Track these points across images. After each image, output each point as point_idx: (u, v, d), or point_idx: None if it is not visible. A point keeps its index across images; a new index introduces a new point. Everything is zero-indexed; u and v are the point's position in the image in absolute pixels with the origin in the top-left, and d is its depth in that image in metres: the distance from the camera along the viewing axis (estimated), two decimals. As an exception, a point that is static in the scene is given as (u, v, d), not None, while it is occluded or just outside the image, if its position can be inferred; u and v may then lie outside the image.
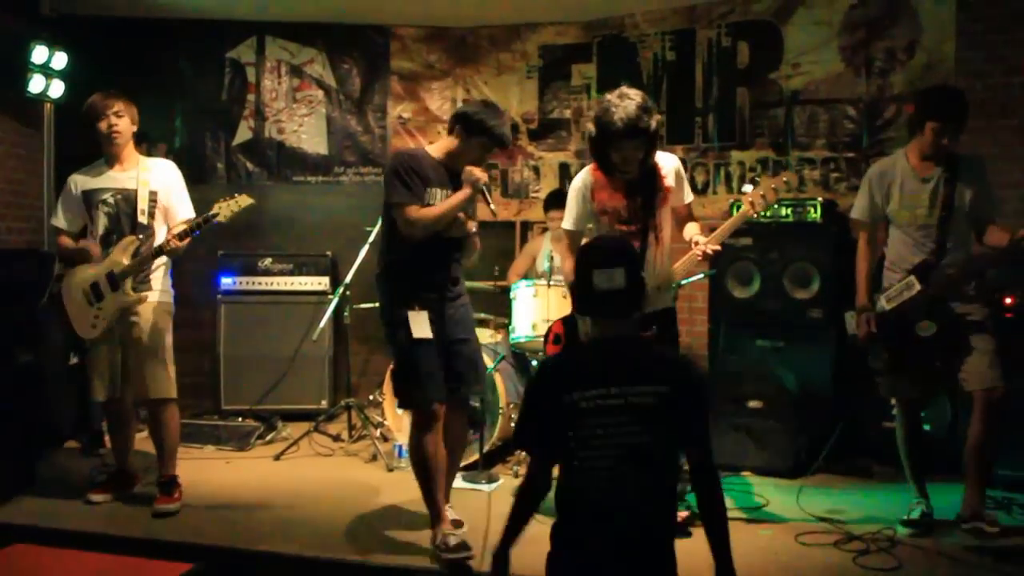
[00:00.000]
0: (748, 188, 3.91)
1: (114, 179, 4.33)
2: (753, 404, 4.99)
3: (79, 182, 4.37)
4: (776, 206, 5.22)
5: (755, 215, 3.85)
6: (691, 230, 3.94)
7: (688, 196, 4.04)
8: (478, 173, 3.82)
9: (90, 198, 4.32)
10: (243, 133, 6.86)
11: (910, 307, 3.91)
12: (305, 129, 6.89)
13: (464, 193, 3.79)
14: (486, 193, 3.93)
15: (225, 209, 4.16)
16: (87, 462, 5.00)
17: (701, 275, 4.94)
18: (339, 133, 6.88)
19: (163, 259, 4.32)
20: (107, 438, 5.38)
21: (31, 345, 4.84)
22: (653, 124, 3.65)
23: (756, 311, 5.17)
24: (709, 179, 6.21)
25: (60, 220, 4.42)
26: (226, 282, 6.11)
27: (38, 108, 5.97)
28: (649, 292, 3.72)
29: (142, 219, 4.28)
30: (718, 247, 3.79)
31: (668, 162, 3.93)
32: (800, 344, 5.08)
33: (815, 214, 5.10)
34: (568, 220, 4.01)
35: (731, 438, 4.97)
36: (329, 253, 6.29)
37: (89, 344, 4.37)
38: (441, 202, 3.78)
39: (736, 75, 6.15)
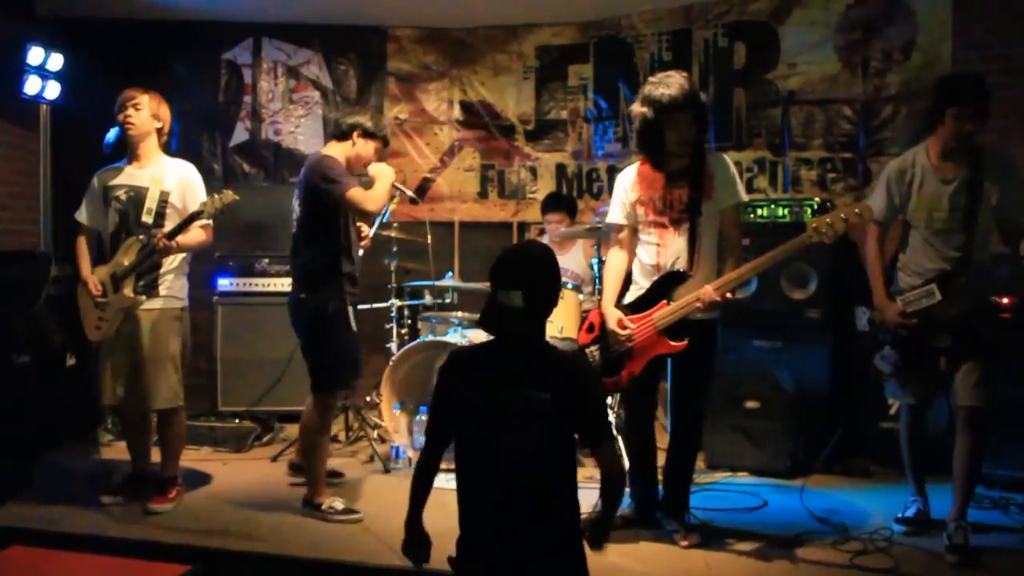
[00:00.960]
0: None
1: (130, 176, 4.30)
2: (750, 404, 4.99)
3: (102, 178, 4.35)
4: (772, 206, 5.23)
5: (816, 241, 3.59)
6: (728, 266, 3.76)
7: (734, 197, 3.82)
8: (386, 168, 4.26)
9: (107, 195, 4.29)
10: (240, 134, 6.86)
11: (927, 316, 3.74)
12: (302, 130, 6.89)
13: (385, 182, 4.19)
14: (400, 185, 4.61)
15: (209, 206, 4.15)
16: (85, 463, 4.99)
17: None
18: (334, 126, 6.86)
19: (174, 263, 4.29)
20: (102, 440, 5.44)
21: (28, 346, 4.83)
22: (703, 97, 3.75)
23: (753, 311, 5.17)
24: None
25: (82, 214, 4.40)
26: (223, 283, 6.10)
27: (34, 110, 5.96)
28: (687, 300, 3.67)
29: (146, 218, 4.22)
30: (722, 298, 3.62)
31: (719, 162, 3.86)
32: (797, 344, 5.08)
33: (812, 214, 5.10)
34: (612, 214, 4.02)
35: (728, 438, 4.97)
36: (326, 254, 6.27)
37: (96, 346, 4.37)
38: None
39: (733, 75, 6.15)
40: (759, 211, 5.23)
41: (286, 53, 6.86)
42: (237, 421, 5.70)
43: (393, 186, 4.39)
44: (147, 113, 4.30)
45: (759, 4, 6.02)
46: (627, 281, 4.02)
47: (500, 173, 6.88)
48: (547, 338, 2.76)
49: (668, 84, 3.65)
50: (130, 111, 4.26)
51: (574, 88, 6.69)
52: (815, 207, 5.08)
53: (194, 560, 3.31)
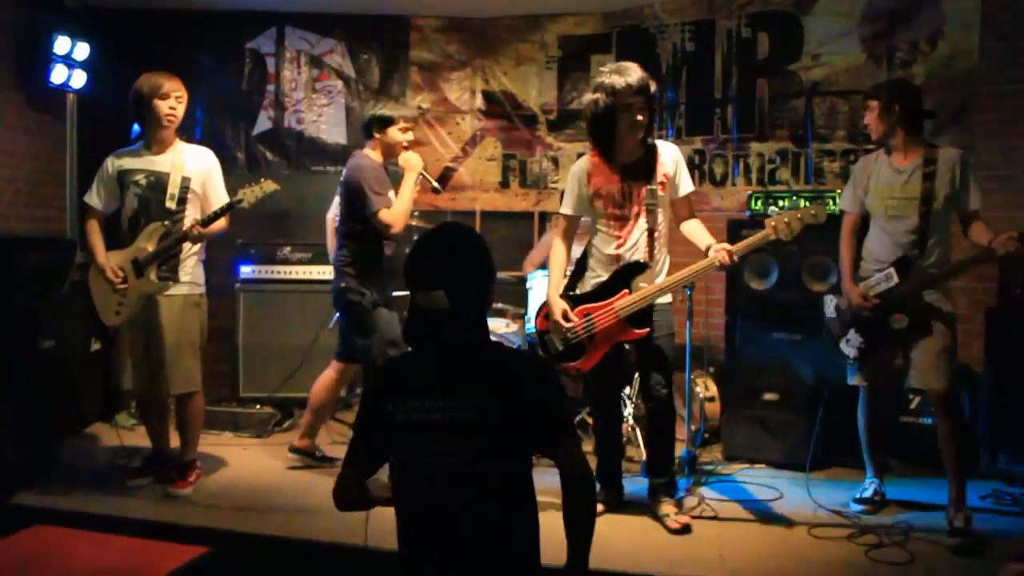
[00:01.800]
0: (774, 211, 3.90)
1: (150, 161, 4.31)
2: (769, 397, 4.99)
3: (116, 163, 4.37)
4: (795, 197, 5.21)
5: (775, 238, 3.79)
6: (700, 234, 3.93)
7: (686, 187, 4.01)
8: (414, 158, 4.49)
9: (124, 179, 4.31)
10: (263, 123, 6.90)
11: (886, 298, 3.94)
12: (324, 119, 6.92)
13: (410, 179, 4.43)
14: (425, 174, 4.61)
15: (249, 195, 4.28)
16: (108, 446, 5.06)
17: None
18: (358, 123, 6.82)
19: (193, 249, 4.33)
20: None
21: (53, 331, 4.90)
22: (654, 87, 3.83)
23: (773, 304, 5.15)
24: (728, 171, 6.18)
25: (93, 198, 4.40)
26: (245, 271, 6.15)
27: (60, 98, 6.03)
28: (647, 290, 3.81)
29: (170, 204, 4.25)
30: (735, 259, 3.77)
31: (667, 150, 3.97)
32: (817, 337, 5.01)
33: (834, 206, 5.06)
34: (565, 205, 4.08)
35: (746, 430, 4.97)
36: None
37: (113, 332, 4.41)
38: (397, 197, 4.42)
39: (756, 66, 6.10)
40: (780, 203, 5.21)
41: (309, 42, 6.88)
42: (258, 407, 5.76)
43: (420, 175, 4.55)
44: (184, 107, 4.37)
45: (783, -6, 5.98)
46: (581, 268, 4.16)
47: (522, 163, 6.87)
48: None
49: (622, 71, 3.79)
50: (175, 102, 4.30)
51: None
52: (837, 199, 5.03)
53: (212, 542, 3.36)
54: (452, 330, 2.22)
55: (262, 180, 4.34)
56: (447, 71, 6.88)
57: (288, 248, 6.20)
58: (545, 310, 4.09)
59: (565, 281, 4.14)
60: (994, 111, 5.30)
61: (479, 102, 6.87)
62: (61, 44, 5.74)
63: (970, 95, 5.37)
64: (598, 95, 3.81)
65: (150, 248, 4.20)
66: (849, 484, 4.48)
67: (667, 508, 3.95)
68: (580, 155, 6.64)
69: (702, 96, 6.27)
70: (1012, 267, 4.68)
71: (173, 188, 4.26)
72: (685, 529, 3.83)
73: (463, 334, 2.25)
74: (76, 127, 6.10)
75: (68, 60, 5.85)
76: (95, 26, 6.13)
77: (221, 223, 4.30)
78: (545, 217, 6.84)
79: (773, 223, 3.71)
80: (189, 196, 4.31)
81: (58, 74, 5.79)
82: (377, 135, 4.55)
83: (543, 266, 5.66)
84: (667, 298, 3.98)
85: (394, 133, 4.52)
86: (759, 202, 5.32)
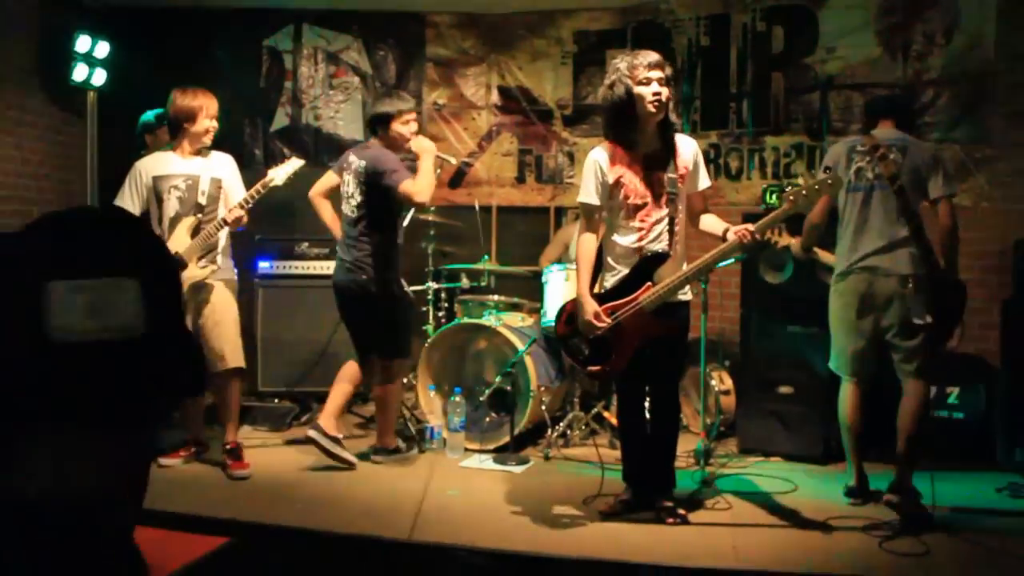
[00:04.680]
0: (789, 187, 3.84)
1: (184, 165, 4.53)
2: (784, 390, 4.99)
3: (148, 169, 4.55)
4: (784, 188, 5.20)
5: (793, 211, 3.69)
6: (715, 223, 3.86)
7: (704, 182, 3.92)
8: (425, 142, 4.59)
9: (160, 184, 4.50)
10: (280, 120, 6.96)
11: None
12: (341, 115, 6.97)
13: (428, 160, 4.52)
14: (441, 154, 4.78)
15: (279, 173, 4.50)
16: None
17: (732, 260, 4.90)
18: (374, 119, 6.92)
19: (222, 242, 4.55)
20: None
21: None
22: (670, 70, 3.79)
23: (788, 297, 5.14)
24: (743, 164, 6.18)
25: (126, 201, 4.55)
26: (263, 266, 6.20)
27: (81, 97, 6.10)
28: (671, 281, 3.72)
29: (201, 200, 4.49)
30: (757, 237, 3.66)
31: (687, 144, 3.88)
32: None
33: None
34: (587, 194, 3.87)
35: (761, 423, 4.98)
36: (365, 238, 6.35)
37: None
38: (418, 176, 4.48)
39: (771, 60, 6.11)
40: (795, 196, 5.20)
41: (326, 39, 6.94)
42: (276, 401, 5.82)
43: (437, 157, 4.65)
44: (211, 123, 4.56)
45: (798, -12, 5.97)
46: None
47: (538, 158, 6.89)
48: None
49: (635, 54, 3.73)
50: (215, 123, 4.55)
51: (612, 73, 6.67)
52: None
53: (231, 533, 3.41)
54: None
55: (288, 157, 4.51)
56: (463, 67, 6.91)
57: (305, 244, 6.24)
58: (566, 315, 3.97)
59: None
60: (1010, 104, 5.28)
61: (495, 97, 6.90)
62: (82, 43, 5.82)
63: (986, 88, 5.35)
64: (613, 78, 3.71)
65: (187, 241, 4.41)
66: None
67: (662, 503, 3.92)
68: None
69: (717, 90, 6.28)
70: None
71: (205, 186, 4.51)
72: (683, 520, 3.83)
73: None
74: (97, 125, 6.17)
75: (89, 59, 5.92)
76: (115, 25, 6.21)
77: (243, 216, 4.47)
78: (561, 212, 6.85)
79: (791, 195, 3.60)
80: (220, 195, 4.57)
81: (79, 72, 5.86)
82: (381, 133, 4.66)
83: (559, 261, 5.69)
84: (687, 295, 3.87)
85: (397, 127, 4.63)
86: (774, 196, 5.31)
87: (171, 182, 4.49)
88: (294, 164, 4.54)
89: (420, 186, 4.42)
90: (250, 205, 4.44)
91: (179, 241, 4.39)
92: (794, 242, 4.41)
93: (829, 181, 3.64)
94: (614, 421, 5.17)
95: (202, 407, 4.78)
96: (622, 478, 4.04)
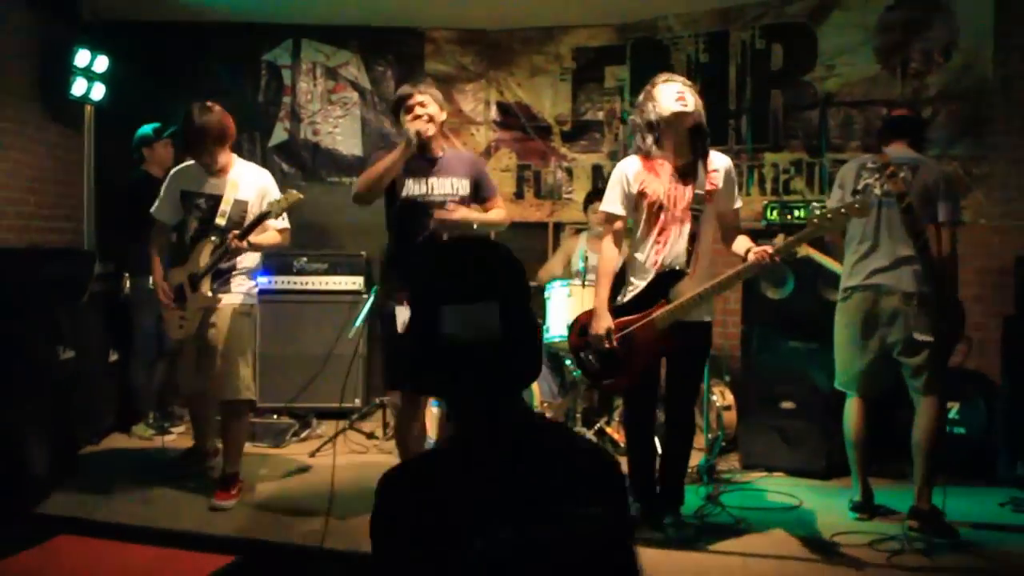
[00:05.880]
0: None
1: (210, 184, 4.41)
2: (786, 405, 4.99)
3: (180, 180, 4.48)
4: (810, 207, 5.22)
5: (820, 234, 3.82)
6: (743, 244, 3.79)
7: (737, 201, 3.91)
8: (408, 125, 3.91)
9: (187, 200, 4.44)
10: (279, 134, 6.95)
11: None
12: (340, 130, 6.96)
13: (399, 148, 3.86)
14: (421, 135, 3.88)
15: (275, 206, 4.32)
16: (127, 455, 5.09)
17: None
18: (374, 134, 6.93)
19: (245, 263, 4.44)
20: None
21: (72, 342, 4.93)
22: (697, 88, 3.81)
23: (790, 312, 5.16)
24: (742, 181, 6.20)
25: (161, 212, 4.51)
26: (262, 281, 6.11)
27: (79, 110, 6.09)
28: (686, 298, 3.68)
29: (220, 221, 4.35)
30: (776, 259, 3.64)
31: (720, 161, 3.84)
32: (833, 346, 5.05)
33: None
34: (612, 203, 3.81)
35: (764, 439, 4.98)
36: (364, 253, 6.34)
37: (177, 344, 4.51)
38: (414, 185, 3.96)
39: (770, 77, 6.14)
40: (796, 212, 5.23)
41: (325, 54, 6.94)
42: (275, 417, 5.79)
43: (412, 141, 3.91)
44: (228, 142, 4.43)
45: (797, 6, 6.00)
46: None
47: (536, 174, 6.90)
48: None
49: (666, 97, 3.70)
50: (214, 150, 4.36)
51: (611, 89, 6.70)
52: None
53: (235, 552, 3.38)
54: (507, 382, 1.53)
55: (287, 191, 4.37)
56: (462, 82, 6.92)
57: (304, 259, 6.24)
58: (579, 326, 3.93)
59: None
60: (1008, 121, 5.32)
61: (493, 113, 6.91)
62: (81, 57, 5.81)
63: (983, 106, 5.39)
64: (650, 100, 3.74)
65: (203, 263, 4.33)
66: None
67: (671, 519, 3.92)
68: (595, 166, 6.74)
69: (716, 107, 6.27)
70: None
71: (225, 206, 4.37)
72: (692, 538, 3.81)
73: (517, 389, 1.56)
74: (95, 139, 6.15)
75: (88, 73, 5.91)
76: (114, 40, 6.20)
77: (275, 237, 4.42)
78: (559, 228, 6.86)
79: (816, 219, 3.61)
80: (247, 217, 4.37)
81: (78, 87, 5.85)
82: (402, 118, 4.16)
83: (562, 277, 5.65)
84: (708, 315, 3.84)
85: (405, 115, 4.03)
86: (774, 212, 5.33)
87: (195, 200, 4.42)
88: (291, 198, 4.32)
89: (363, 176, 3.96)
90: (250, 236, 4.27)
91: (194, 263, 4.34)
92: (824, 258, 4.52)
93: (857, 205, 3.62)
94: (616, 436, 5.17)
95: (211, 418, 4.71)
96: (631, 494, 4.02)
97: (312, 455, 5.24)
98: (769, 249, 3.63)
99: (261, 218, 4.29)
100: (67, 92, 5.83)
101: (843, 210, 3.59)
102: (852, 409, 4.19)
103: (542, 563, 1.39)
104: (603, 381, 3.93)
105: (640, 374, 3.79)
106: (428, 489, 1.46)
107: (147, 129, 5.55)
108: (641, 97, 3.79)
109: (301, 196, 4.33)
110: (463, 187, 4.01)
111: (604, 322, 3.75)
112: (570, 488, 1.45)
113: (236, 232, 4.27)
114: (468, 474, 1.46)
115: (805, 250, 4.46)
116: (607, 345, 3.73)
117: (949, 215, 3.99)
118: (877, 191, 4.06)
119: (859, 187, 4.10)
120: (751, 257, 3.64)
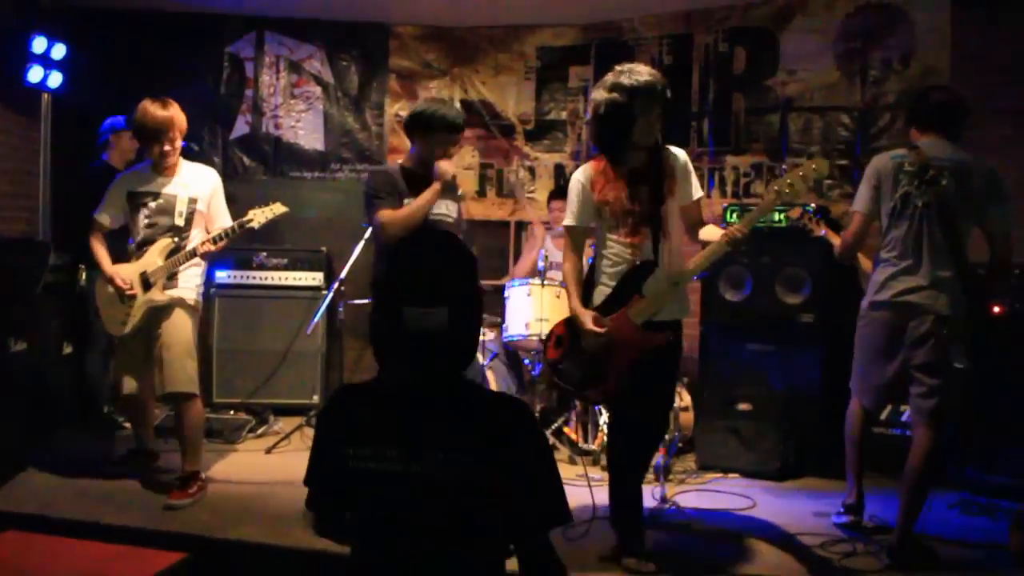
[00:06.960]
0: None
1: (159, 183, 4.37)
2: (742, 406, 5.05)
3: (127, 184, 4.42)
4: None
5: (781, 203, 3.73)
6: (713, 232, 3.63)
7: (697, 191, 3.72)
8: (444, 167, 4.10)
9: (134, 200, 4.37)
10: (240, 128, 6.88)
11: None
12: (302, 125, 6.91)
13: (433, 189, 4.06)
14: (455, 178, 4.17)
15: (259, 216, 4.33)
16: (80, 450, 5.02)
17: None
18: (336, 130, 6.90)
19: (195, 259, 4.38)
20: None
21: (25, 334, 4.85)
22: (667, 91, 3.60)
23: (747, 314, 5.21)
24: (703, 183, 6.24)
25: (104, 216, 4.44)
26: (220, 275, 6.12)
27: (36, 98, 5.97)
28: (660, 290, 3.58)
29: (178, 221, 4.34)
30: (747, 231, 3.48)
31: (675, 156, 3.74)
32: (790, 348, 5.11)
33: (806, 218, 5.13)
34: (569, 216, 3.73)
35: (720, 439, 5.02)
36: (324, 249, 6.29)
37: (118, 340, 4.42)
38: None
39: (732, 80, 6.19)
40: (756, 215, 5.26)
41: (288, 48, 6.88)
42: (232, 413, 5.74)
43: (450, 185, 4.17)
44: (180, 137, 4.36)
45: (760, 10, 6.06)
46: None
47: (499, 172, 6.90)
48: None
49: (640, 72, 3.55)
50: (167, 146, 4.30)
51: (574, 89, 6.72)
52: (811, 212, 5.08)
53: (188, 548, 3.34)
54: (448, 361, 1.90)
55: (272, 202, 4.37)
56: (426, 79, 6.90)
57: (264, 253, 6.19)
58: (554, 339, 3.76)
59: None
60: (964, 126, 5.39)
61: (457, 110, 6.89)
62: (38, 44, 5.69)
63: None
64: (613, 95, 3.53)
65: (159, 262, 4.28)
66: (821, 493, 4.55)
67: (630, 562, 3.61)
68: (557, 165, 6.76)
69: (679, 109, 6.32)
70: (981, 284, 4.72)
71: (181, 206, 4.35)
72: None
73: (457, 367, 1.92)
74: (51, 128, 6.05)
75: (45, 60, 5.80)
76: (72, 27, 6.08)
77: (212, 249, 4.36)
78: (521, 226, 6.87)
79: (776, 187, 3.44)
80: (195, 216, 4.38)
81: (34, 74, 5.73)
82: (412, 137, 4.26)
83: (528, 276, 5.58)
84: (682, 313, 3.73)
85: (425, 140, 4.17)
86: (735, 215, 5.38)
87: (143, 200, 4.35)
88: (276, 210, 4.36)
89: (397, 214, 4.04)
90: (223, 242, 4.30)
91: (149, 261, 4.28)
92: (834, 237, 4.33)
93: (814, 166, 3.42)
94: (574, 436, 5.18)
95: (151, 418, 4.67)
96: (610, 523, 3.75)
97: (268, 451, 5.20)
98: (737, 226, 3.49)
99: (242, 226, 4.30)
100: (23, 79, 5.72)
101: (802, 174, 3.39)
102: (856, 409, 4.12)
103: (403, 482, 1.81)
104: (586, 391, 3.77)
105: (622, 378, 3.60)
106: (363, 407, 1.92)
107: (121, 118, 5.47)
108: (613, 93, 3.56)
109: (286, 209, 4.37)
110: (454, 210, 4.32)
111: (587, 317, 3.58)
112: (476, 431, 1.83)
113: (210, 237, 4.28)
114: (394, 407, 1.89)
115: (821, 230, 4.54)
116: (601, 331, 3.53)
117: (999, 224, 3.72)
118: (918, 202, 3.72)
119: (898, 193, 3.78)
120: (723, 238, 3.49)
